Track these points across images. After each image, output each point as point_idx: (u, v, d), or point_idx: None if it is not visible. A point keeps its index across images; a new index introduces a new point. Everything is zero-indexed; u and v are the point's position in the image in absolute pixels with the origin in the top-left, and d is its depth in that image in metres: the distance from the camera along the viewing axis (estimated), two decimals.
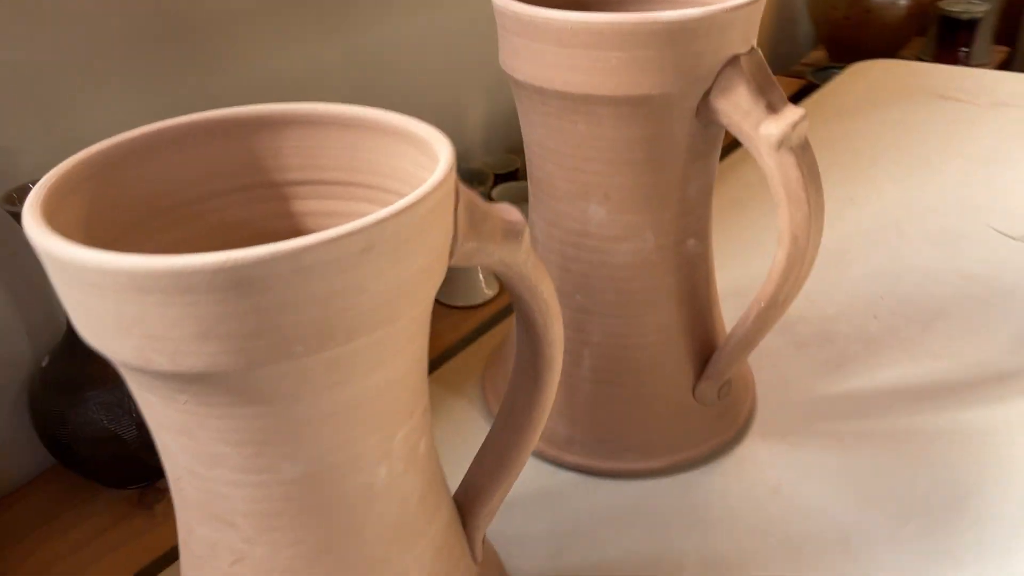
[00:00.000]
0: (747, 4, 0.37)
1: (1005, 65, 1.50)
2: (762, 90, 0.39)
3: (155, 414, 0.27)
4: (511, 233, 0.31)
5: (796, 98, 1.24)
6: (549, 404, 0.36)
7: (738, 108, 0.39)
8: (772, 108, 0.39)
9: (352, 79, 0.76)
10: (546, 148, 0.42)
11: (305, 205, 0.35)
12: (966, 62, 1.23)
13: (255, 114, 0.33)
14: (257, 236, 0.34)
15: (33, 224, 0.24)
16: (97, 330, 0.24)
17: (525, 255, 0.32)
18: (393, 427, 0.30)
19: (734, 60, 0.38)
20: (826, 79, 1.25)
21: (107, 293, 0.23)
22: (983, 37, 1.24)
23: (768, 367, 0.53)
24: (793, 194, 0.39)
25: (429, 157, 0.30)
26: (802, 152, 0.39)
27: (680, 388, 0.47)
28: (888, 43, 1.29)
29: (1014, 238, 0.68)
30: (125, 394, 0.51)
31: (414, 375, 0.30)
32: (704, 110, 0.39)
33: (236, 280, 0.22)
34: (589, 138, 0.40)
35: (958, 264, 0.65)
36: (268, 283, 0.23)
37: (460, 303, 0.76)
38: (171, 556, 0.52)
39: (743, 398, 0.50)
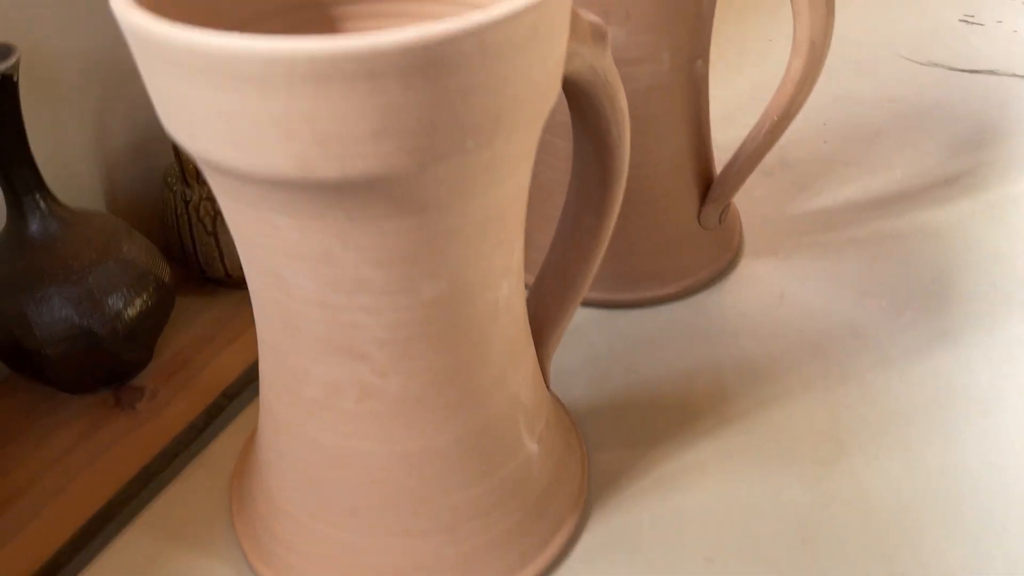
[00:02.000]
0: None
1: None
2: None
3: (284, 243, 0.25)
4: (599, 35, 0.30)
5: None
6: (614, 220, 0.36)
7: None
8: None
9: None
10: None
11: (359, 25, 0.32)
12: None
13: None
14: None
15: (156, 22, 0.21)
16: (250, 141, 0.21)
17: (609, 59, 0.31)
18: (513, 240, 0.29)
19: None
20: None
21: (275, 88, 0.20)
22: None
23: (742, 195, 0.56)
24: None
25: None
26: None
27: (687, 214, 0.48)
28: None
29: (921, 63, 0.73)
30: (94, 284, 0.46)
31: (527, 186, 0.29)
32: None
33: (425, 61, 0.20)
34: None
35: (883, 91, 0.69)
36: (455, 64, 0.21)
37: None
38: (168, 455, 0.49)
39: (733, 223, 0.52)
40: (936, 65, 0.73)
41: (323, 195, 0.23)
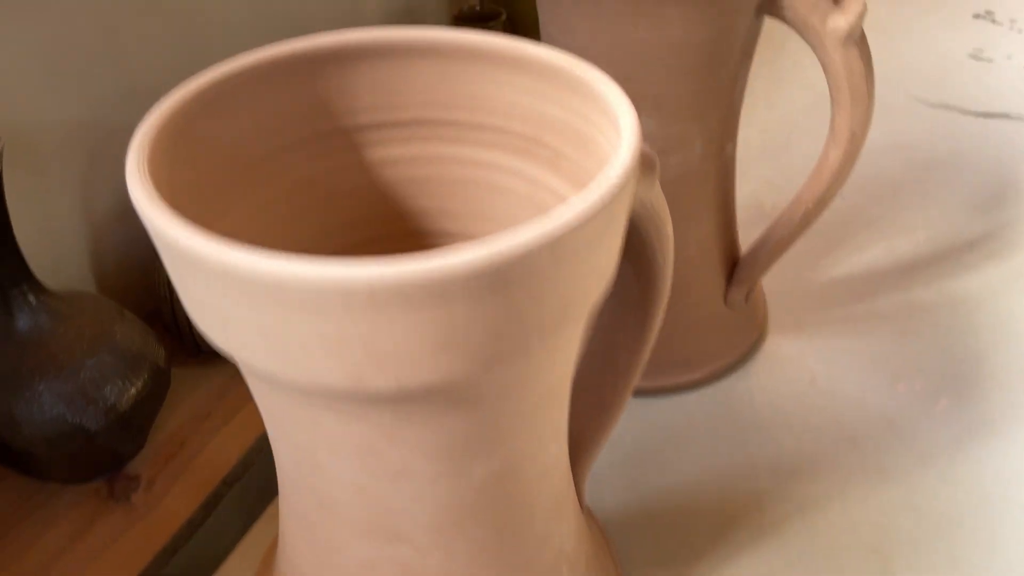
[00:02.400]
0: None
1: None
2: None
3: (325, 436, 0.22)
4: (648, 166, 0.28)
5: None
6: (653, 340, 0.34)
7: (805, 1, 0.36)
8: (836, 0, 0.37)
9: None
10: (591, 54, 0.38)
11: (382, 152, 0.29)
12: None
13: (332, 46, 0.27)
14: (345, 191, 0.29)
15: (192, 234, 0.18)
16: (294, 356, 0.19)
17: (658, 188, 0.29)
18: (564, 402, 0.27)
19: None
20: None
21: (327, 313, 0.18)
22: None
23: None
24: (856, 89, 0.38)
25: (576, 93, 0.25)
26: (863, 44, 0.37)
27: (713, 296, 0.46)
28: None
29: (933, 105, 0.72)
30: (86, 378, 0.43)
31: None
32: (769, 5, 0.37)
33: (497, 279, 0.18)
34: (649, 45, 0.36)
35: (897, 137, 0.68)
36: (528, 275, 0.18)
37: None
38: (169, 551, 0.46)
39: (758, 298, 0.50)
40: (948, 107, 0.71)
41: (371, 403, 0.20)
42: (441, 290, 0.17)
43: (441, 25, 0.95)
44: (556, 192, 0.28)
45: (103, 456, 0.46)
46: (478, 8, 0.86)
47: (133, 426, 0.46)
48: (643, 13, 0.35)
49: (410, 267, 0.17)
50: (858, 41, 0.37)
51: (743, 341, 0.48)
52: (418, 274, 0.17)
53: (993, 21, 0.85)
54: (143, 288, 0.56)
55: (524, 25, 0.83)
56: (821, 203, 0.41)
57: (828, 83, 0.38)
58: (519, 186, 0.29)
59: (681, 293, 0.45)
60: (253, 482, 0.49)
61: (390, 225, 0.30)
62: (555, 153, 0.27)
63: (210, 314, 0.19)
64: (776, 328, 0.50)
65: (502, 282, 0.18)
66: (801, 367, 0.48)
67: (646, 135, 0.40)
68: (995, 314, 0.50)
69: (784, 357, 0.48)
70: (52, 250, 0.52)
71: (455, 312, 0.18)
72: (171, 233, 0.18)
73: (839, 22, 0.36)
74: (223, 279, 0.18)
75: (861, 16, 0.36)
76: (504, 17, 0.84)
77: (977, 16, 0.86)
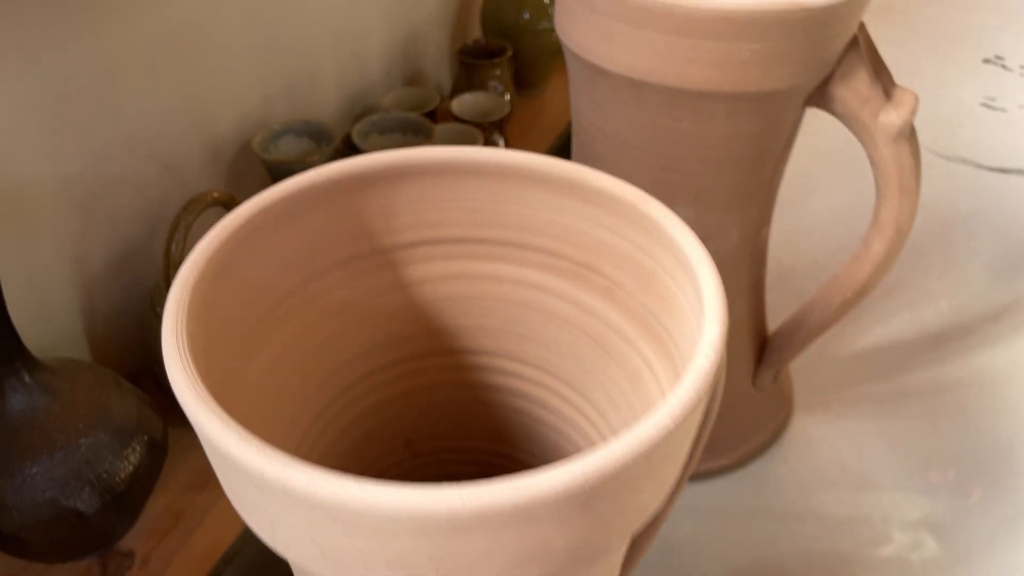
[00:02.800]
0: None
1: None
2: (877, 72, 0.35)
3: None
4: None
5: None
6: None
7: (857, 95, 0.34)
8: (887, 91, 0.35)
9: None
10: (625, 144, 0.36)
11: (421, 270, 0.27)
12: None
13: (371, 168, 0.25)
14: (383, 310, 0.27)
15: (276, 466, 0.16)
16: (353, 569, 0.17)
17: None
18: None
19: (854, 41, 0.34)
20: None
21: (398, 537, 0.16)
22: None
23: None
24: (906, 184, 0.36)
25: (636, 225, 0.24)
26: (913, 138, 0.36)
27: (741, 378, 0.44)
28: None
29: (949, 159, 0.71)
30: (81, 459, 0.41)
31: None
32: (818, 98, 0.35)
33: (588, 497, 0.16)
34: (691, 136, 0.34)
35: None
36: (619, 487, 0.17)
37: None
38: None
39: (785, 375, 0.49)
40: (964, 161, 0.70)
41: None
42: (528, 514, 0.16)
43: (442, 68, 0.92)
44: (611, 323, 0.26)
45: (96, 535, 0.44)
46: (483, 43, 0.84)
47: (128, 504, 0.43)
48: (688, 107, 0.33)
49: (495, 493, 0.15)
50: (909, 136, 0.35)
51: (770, 422, 0.47)
52: (504, 500, 0.15)
53: (1004, 67, 0.84)
54: (137, 344, 0.54)
55: (528, 62, 0.80)
56: (861, 293, 0.40)
57: (875, 175, 0.37)
58: (569, 311, 0.27)
59: None
60: (255, 557, 0.47)
61: (428, 342, 0.28)
62: (611, 282, 0.25)
63: (259, 516, 0.17)
64: (802, 406, 0.49)
65: (593, 498, 0.16)
66: (831, 452, 0.46)
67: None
68: (1022, 393, 0.49)
69: (812, 439, 0.47)
70: (43, 308, 0.49)
71: (539, 531, 0.16)
72: (222, 442, 0.16)
73: (891, 118, 0.34)
74: (280, 496, 0.16)
75: (914, 112, 0.35)
76: (510, 53, 0.82)
77: (987, 61, 0.85)
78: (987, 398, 0.49)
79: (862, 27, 0.35)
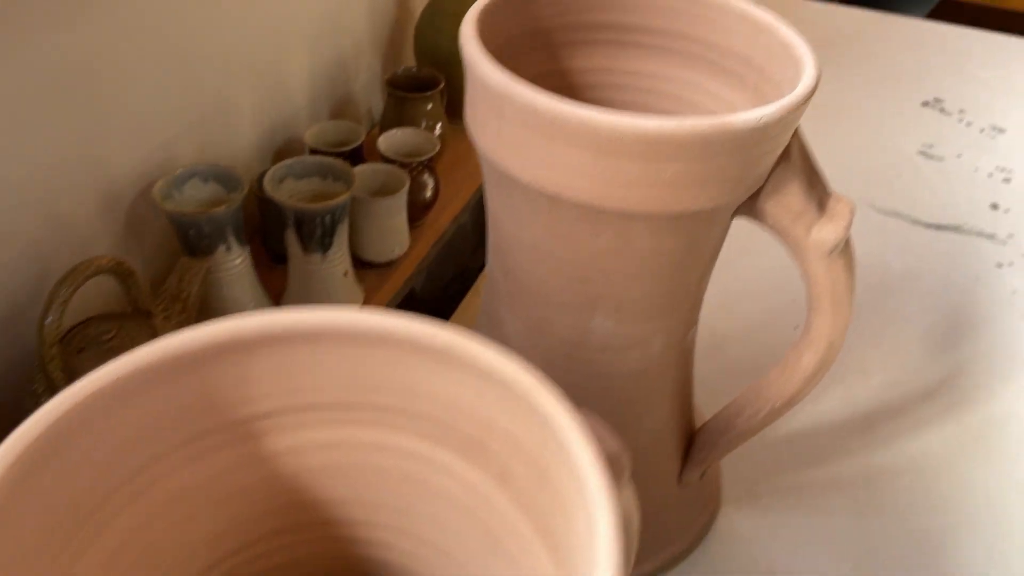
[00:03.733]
0: (814, 88, 0.30)
1: None
2: (811, 183, 0.32)
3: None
4: (616, 474, 0.23)
5: None
6: None
7: (789, 210, 0.32)
8: (820, 203, 0.32)
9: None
10: (542, 252, 0.33)
11: (285, 439, 0.23)
12: None
13: (217, 339, 0.21)
14: (238, 488, 0.23)
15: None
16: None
17: (628, 493, 0.24)
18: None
19: (786, 154, 0.31)
20: None
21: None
22: None
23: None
24: (839, 299, 0.34)
25: (530, 414, 0.20)
26: (848, 252, 0.33)
27: (667, 479, 0.42)
28: None
29: (885, 213, 0.69)
30: None
31: None
32: (747, 211, 0.32)
33: None
34: (612, 251, 0.31)
35: None
36: None
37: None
38: None
39: (712, 470, 0.46)
40: (899, 216, 0.69)
41: None
42: None
43: (374, 93, 0.88)
44: (500, 512, 0.23)
45: None
46: (414, 71, 0.80)
47: None
48: (607, 223, 0.30)
49: None
50: (843, 250, 0.33)
51: (698, 518, 0.44)
52: None
53: (942, 110, 0.84)
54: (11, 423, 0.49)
55: (464, 93, 0.77)
56: (790, 403, 0.37)
57: (807, 290, 0.34)
58: (457, 490, 0.23)
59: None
60: None
61: (296, 516, 0.25)
62: (503, 467, 0.22)
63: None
64: (730, 498, 0.46)
65: None
66: (759, 551, 0.44)
67: (602, 334, 0.35)
68: (957, 485, 0.48)
69: (741, 536, 0.44)
70: None
71: None
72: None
73: (825, 233, 0.32)
74: None
75: (849, 225, 0.32)
76: (442, 85, 0.78)
77: (926, 104, 0.85)
78: (921, 490, 0.47)
79: (796, 134, 0.32)
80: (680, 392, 0.40)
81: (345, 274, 0.64)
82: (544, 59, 0.37)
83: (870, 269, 0.63)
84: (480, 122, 0.31)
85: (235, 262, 0.60)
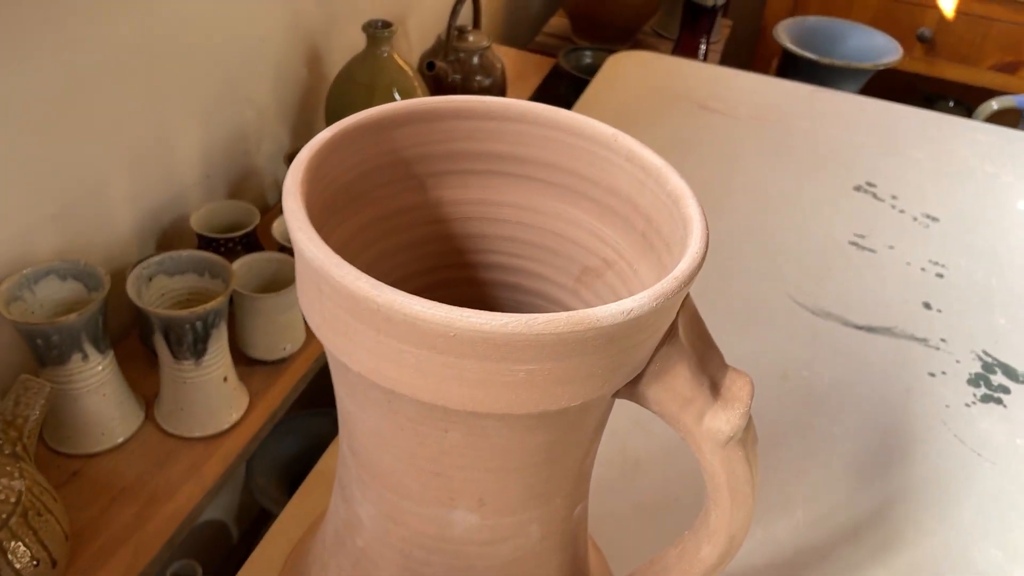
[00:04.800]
0: (699, 265, 0.25)
1: (731, 40, 1.53)
2: (703, 363, 0.27)
3: None
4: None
5: (550, 85, 1.15)
6: None
7: (676, 395, 0.27)
8: (714, 385, 0.27)
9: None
10: (387, 441, 0.27)
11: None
12: (707, 44, 1.21)
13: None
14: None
15: None
16: None
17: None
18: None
19: (671, 331, 0.26)
20: (578, 65, 1.17)
21: None
22: (719, 17, 1.23)
23: (612, 545, 0.44)
24: (739, 493, 0.29)
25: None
26: (746, 437, 0.28)
27: None
28: (633, 20, 1.24)
29: (815, 313, 0.66)
30: None
31: None
32: (627, 395, 0.27)
33: None
34: (464, 447, 0.26)
35: (773, 360, 0.61)
36: None
37: (197, 433, 0.58)
38: None
39: None
40: (828, 316, 0.65)
41: None
42: None
43: (280, 166, 0.82)
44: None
45: None
46: None
47: None
48: (454, 420, 0.25)
49: None
50: (742, 439, 0.28)
51: None
52: None
53: (875, 196, 0.81)
54: None
55: None
56: None
57: (705, 481, 0.29)
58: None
59: None
60: None
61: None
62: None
63: None
64: None
65: None
66: None
67: (466, 527, 0.29)
68: None
69: None
70: None
71: None
72: None
73: (719, 422, 0.27)
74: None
75: (746, 414, 0.27)
76: None
77: (858, 188, 0.82)
78: None
79: (685, 305, 0.27)
80: (570, 566, 0.34)
81: (225, 379, 0.57)
82: (406, 191, 0.32)
83: (798, 381, 0.59)
84: (305, 293, 0.25)
85: (95, 370, 0.54)
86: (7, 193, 0.53)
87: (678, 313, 0.27)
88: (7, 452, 0.45)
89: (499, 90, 0.95)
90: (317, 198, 0.27)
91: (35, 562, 0.44)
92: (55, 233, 0.58)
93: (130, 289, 0.53)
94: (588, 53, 1.17)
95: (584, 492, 0.33)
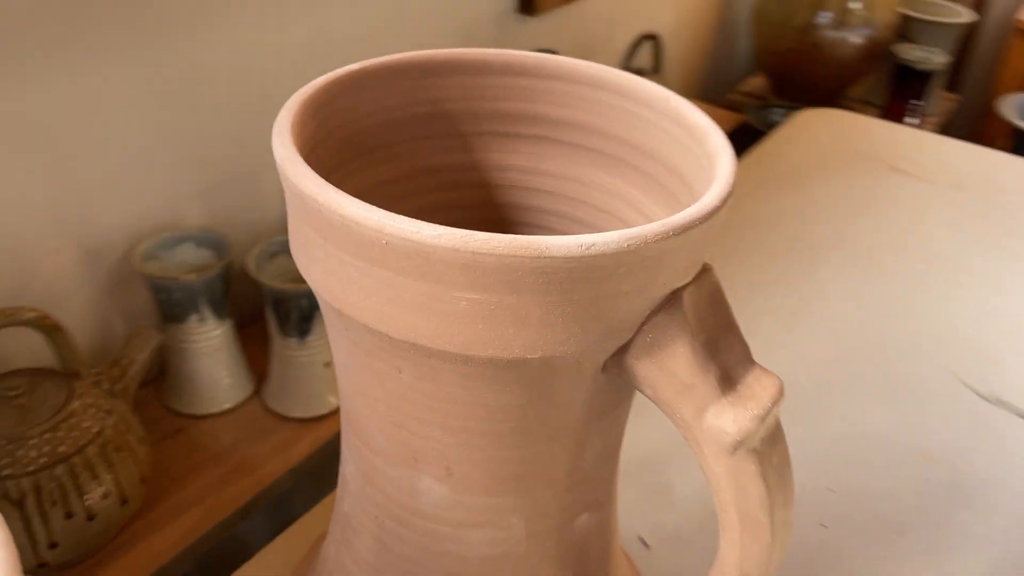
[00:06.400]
0: (702, 220, 0.21)
1: (955, 116, 1.40)
2: (713, 347, 0.23)
3: None
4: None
5: (735, 141, 1.10)
6: None
7: (672, 378, 0.23)
8: (728, 377, 0.23)
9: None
10: (354, 381, 0.26)
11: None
12: (918, 114, 1.11)
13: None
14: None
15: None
16: None
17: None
18: None
19: (672, 300, 0.22)
20: (768, 122, 1.12)
21: None
22: (936, 86, 1.13)
23: None
24: (751, 519, 0.24)
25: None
26: (770, 452, 0.23)
27: None
28: (836, 82, 1.16)
29: (987, 399, 0.56)
30: None
31: None
32: (615, 369, 0.23)
33: None
34: (419, 394, 0.24)
35: (921, 438, 0.52)
36: None
37: (297, 413, 0.59)
38: None
39: None
40: (1001, 404, 0.55)
41: None
42: None
43: None
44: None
45: None
46: None
47: None
48: (404, 356, 0.22)
49: None
50: (760, 452, 0.23)
51: None
52: None
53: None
54: None
55: None
56: None
57: (713, 496, 0.24)
58: None
59: None
60: None
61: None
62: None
63: None
64: None
65: None
66: None
67: (434, 501, 0.26)
68: None
69: None
70: None
71: None
72: None
73: (724, 421, 0.22)
74: None
75: (759, 418, 0.22)
76: None
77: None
78: None
79: (703, 275, 0.23)
80: None
81: (326, 365, 0.58)
82: (443, 149, 0.30)
83: (946, 467, 0.50)
84: (292, 232, 0.24)
85: (211, 334, 0.56)
86: (166, 164, 0.58)
87: (685, 285, 0.23)
88: (105, 387, 0.48)
89: None
90: (323, 140, 0.26)
91: (105, 495, 0.46)
92: (203, 208, 0.62)
93: (250, 262, 0.55)
94: (780, 111, 1.11)
95: (593, 501, 0.29)
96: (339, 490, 0.31)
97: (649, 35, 0.93)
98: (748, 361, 0.24)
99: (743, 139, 1.12)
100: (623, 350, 0.23)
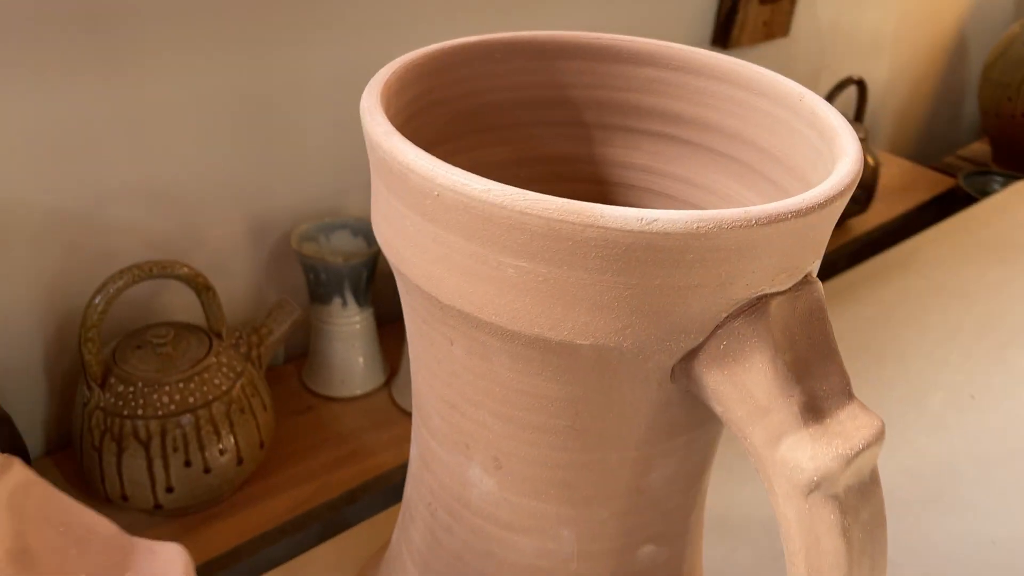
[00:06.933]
0: (794, 215, 0.18)
1: None
2: (802, 369, 0.20)
3: None
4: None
5: (937, 204, 1.01)
6: None
7: (746, 396, 0.20)
8: (814, 408, 0.20)
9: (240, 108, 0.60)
10: (417, 352, 0.25)
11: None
12: None
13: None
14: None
15: None
16: None
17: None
18: None
19: (757, 306, 0.20)
20: (983, 190, 1.01)
21: None
22: None
23: None
24: (821, 571, 0.20)
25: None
26: (858, 504, 0.20)
27: None
28: None
29: None
30: None
31: None
32: (684, 378, 0.21)
33: None
34: (470, 373, 0.22)
35: None
36: None
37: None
38: None
39: None
40: None
41: None
42: None
43: None
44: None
45: None
46: None
47: None
48: (454, 326, 0.21)
49: None
50: (844, 495, 0.19)
51: None
52: None
53: None
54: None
55: None
56: None
57: (783, 544, 0.21)
58: None
59: None
60: None
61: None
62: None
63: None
64: None
65: None
66: None
67: (482, 493, 0.25)
68: None
69: None
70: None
71: None
72: None
73: (800, 456, 0.19)
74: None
75: (847, 459, 0.19)
76: None
77: None
78: None
79: (803, 285, 0.20)
80: None
81: None
82: (563, 138, 0.29)
83: None
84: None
85: (351, 319, 0.58)
86: (335, 158, 0.61)
87: (776, 293, 0.20)
88: (242, 351, 0.51)
89: (863, 187, 0.86)
90: (426, 109, 0.26)
91: (223, 451, 0.48)
92: (364, 200, 0.64)
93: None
94: (999, 179, 0.99)
95: (661, 533, 0.26)
96: (407, 475, 0.30)
97: (855, 79, 0.87)
98: (845, 395, 0.20)
99: (950, 205, 1.01)
100: (692, 355, 0.20)
